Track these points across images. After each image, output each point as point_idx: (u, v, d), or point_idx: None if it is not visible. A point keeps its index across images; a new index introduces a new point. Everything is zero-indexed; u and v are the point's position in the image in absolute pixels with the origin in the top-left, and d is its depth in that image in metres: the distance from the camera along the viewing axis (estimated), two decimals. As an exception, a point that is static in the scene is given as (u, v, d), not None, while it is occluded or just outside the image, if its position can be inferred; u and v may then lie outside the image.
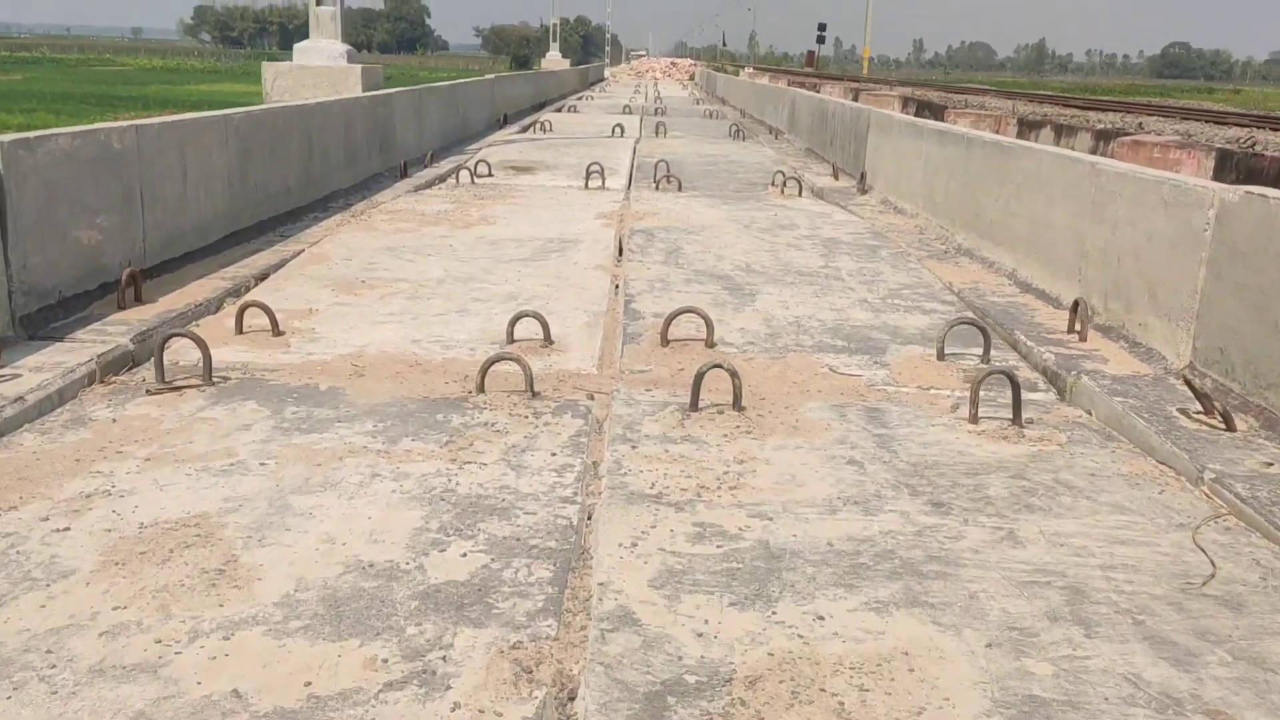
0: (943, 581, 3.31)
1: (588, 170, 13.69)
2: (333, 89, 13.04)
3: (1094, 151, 16.46)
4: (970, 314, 6.82)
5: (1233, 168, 12.63)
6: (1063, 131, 17.82)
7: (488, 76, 21.14)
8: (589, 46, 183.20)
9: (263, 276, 7.18)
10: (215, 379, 5.03)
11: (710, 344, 5.89)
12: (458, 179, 12.99)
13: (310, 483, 3.91)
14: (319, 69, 13.02)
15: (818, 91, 37.94)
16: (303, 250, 8.04)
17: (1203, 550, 3.61)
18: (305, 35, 14.26)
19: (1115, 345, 6.01)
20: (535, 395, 5.01)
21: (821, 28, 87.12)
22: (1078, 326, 6.28)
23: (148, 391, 4.85)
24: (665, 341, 5.89)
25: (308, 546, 3.40)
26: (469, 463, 4.16)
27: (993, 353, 5.86)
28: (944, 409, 5.06)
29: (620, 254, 8.38)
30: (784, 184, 13.26)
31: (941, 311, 6.87)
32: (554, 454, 4.29)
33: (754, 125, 25.32)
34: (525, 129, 21.65)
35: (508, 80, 23.28)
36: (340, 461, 4.12)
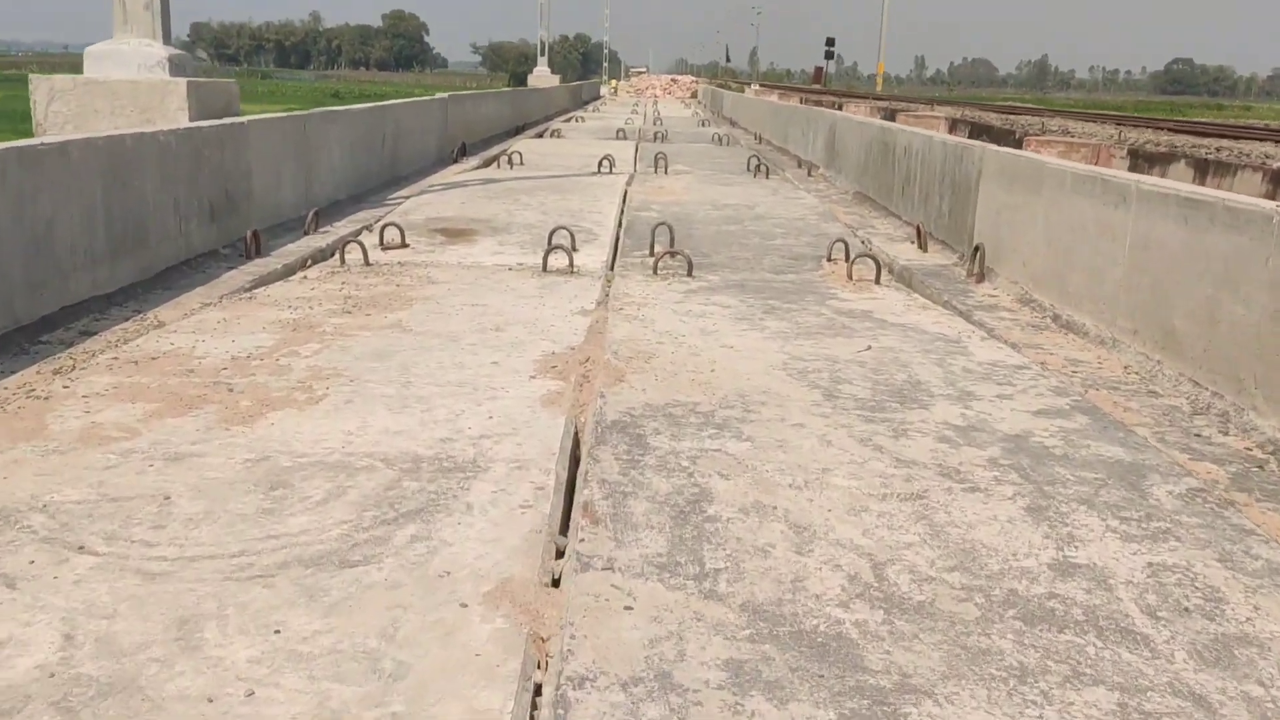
0: None
1: (550, 238, 9.00)
2: (141, 114, 8.32)
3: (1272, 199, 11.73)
4: None
5: None
6: (1209, 169, 13.12)
7: (437, 95, 16.44)
8: (588, 64, 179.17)
9: None
10: None
11: None
12: (343, 257, 8.27)
13: None
14: (120, 85, 8.19)
15: (839, 110, 33.34)
16: None
17: None
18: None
19: None
20: None
21: (830, 43, 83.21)
22: None
23: None
24: None
25: None
26: None
27: None
28: None
29: (567, 520, 3.61)
30: (850, 260, 8.53)
31: None
32: None
33: (775, 155, 20.63)
34: (488, 162, 16.95)
35: (468, 100, 18.56)
36: None
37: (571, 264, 8.26)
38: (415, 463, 3.90)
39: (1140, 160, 14.81)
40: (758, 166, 16.52)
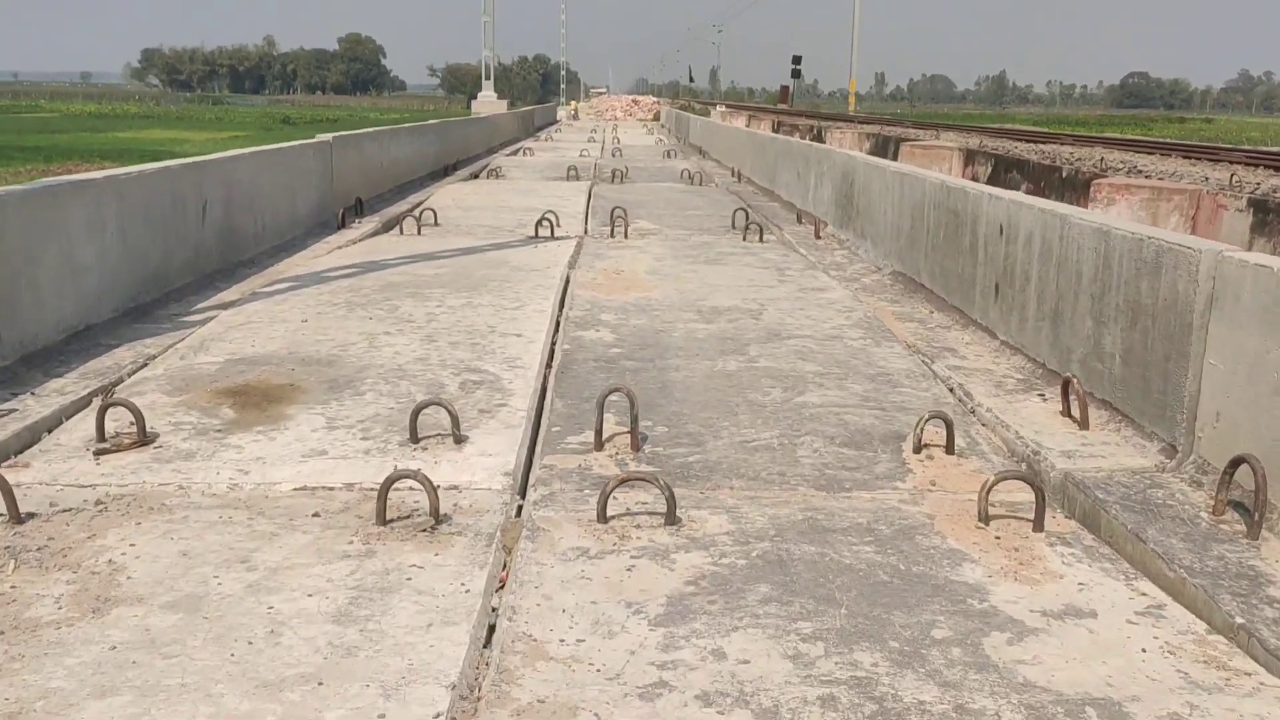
0: None
1: (414, 421, 4.91)
2: None
3: None
4: None
5: None
6: (1404, 235, 9.14)
7: (317, 139, 12.20)
8: (548, 84, 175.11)
9: None
10: None
11: None
12: (-37, 509, 4.04)
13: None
14: None
15: (821, 138, 29.40)
16: None
17: None
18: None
19: None
20: None
21: (796, 61, 79.97)
22: None
23: None
24: None
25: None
26: None
27: None
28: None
29: None
30: (984, 486, 4.36)
31: None
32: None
33: (760, 200, 16.59)
34: (390, 224, 12.75)
35: (366, 142, 14.28)
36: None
37: (436, 511, 4.08)
38: None
39: (1271, 215, 10.85)
40: (747, 224, 12.42)
